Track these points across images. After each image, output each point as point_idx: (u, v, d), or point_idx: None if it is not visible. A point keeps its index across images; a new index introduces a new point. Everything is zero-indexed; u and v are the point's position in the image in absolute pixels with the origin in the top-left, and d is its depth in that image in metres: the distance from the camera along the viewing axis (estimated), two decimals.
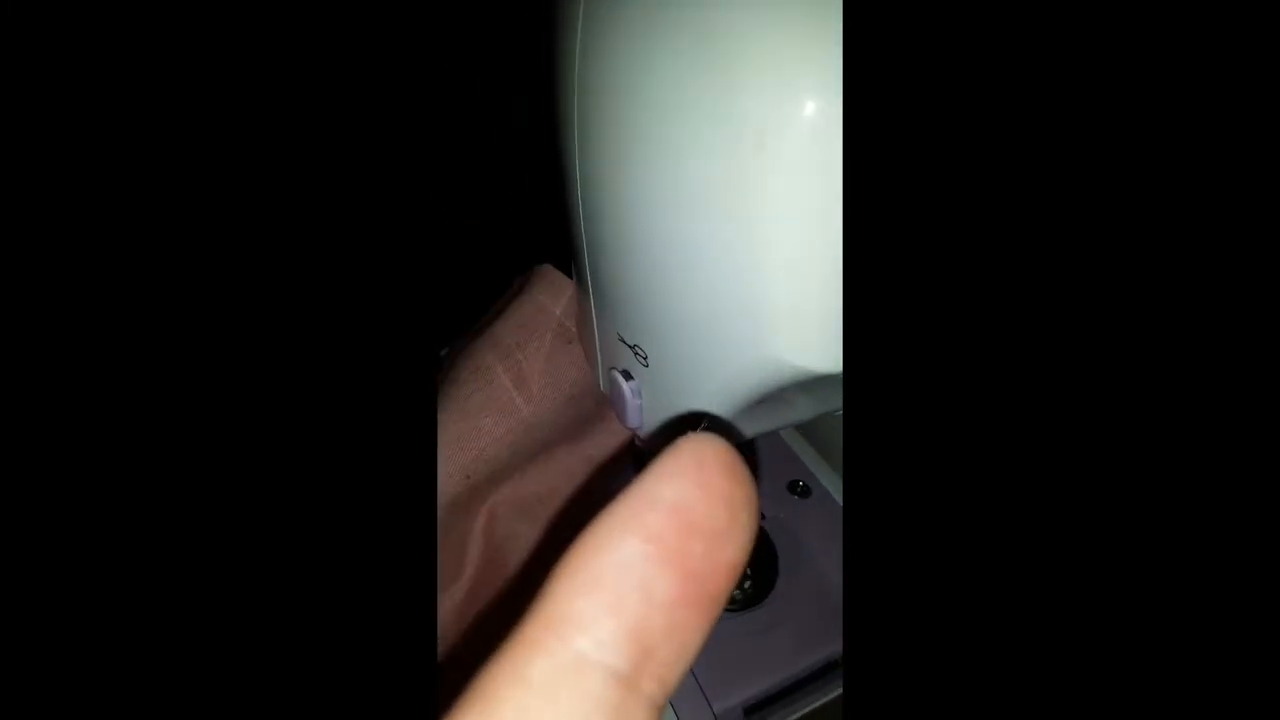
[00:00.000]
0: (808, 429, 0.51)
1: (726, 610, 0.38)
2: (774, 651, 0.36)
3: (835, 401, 0.29)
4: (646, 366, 0.26)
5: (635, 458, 0.46)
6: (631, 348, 0.27)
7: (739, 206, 0.18)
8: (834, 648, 0.36)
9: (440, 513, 0.39)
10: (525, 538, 0.42)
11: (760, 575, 0.41)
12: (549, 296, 0.43)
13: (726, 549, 0.08)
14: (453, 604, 0.39)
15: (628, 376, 0.28)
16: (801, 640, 0.36)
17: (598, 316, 0.30)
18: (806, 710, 0.35)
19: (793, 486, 0.46)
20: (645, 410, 0.28)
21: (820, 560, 0.41)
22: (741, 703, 0.34)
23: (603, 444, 0.47)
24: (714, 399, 0.25)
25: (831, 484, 0.46)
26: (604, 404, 0.46)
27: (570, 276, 0.40)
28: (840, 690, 0.36)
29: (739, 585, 0.40)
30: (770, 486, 0.45)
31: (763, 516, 0.43)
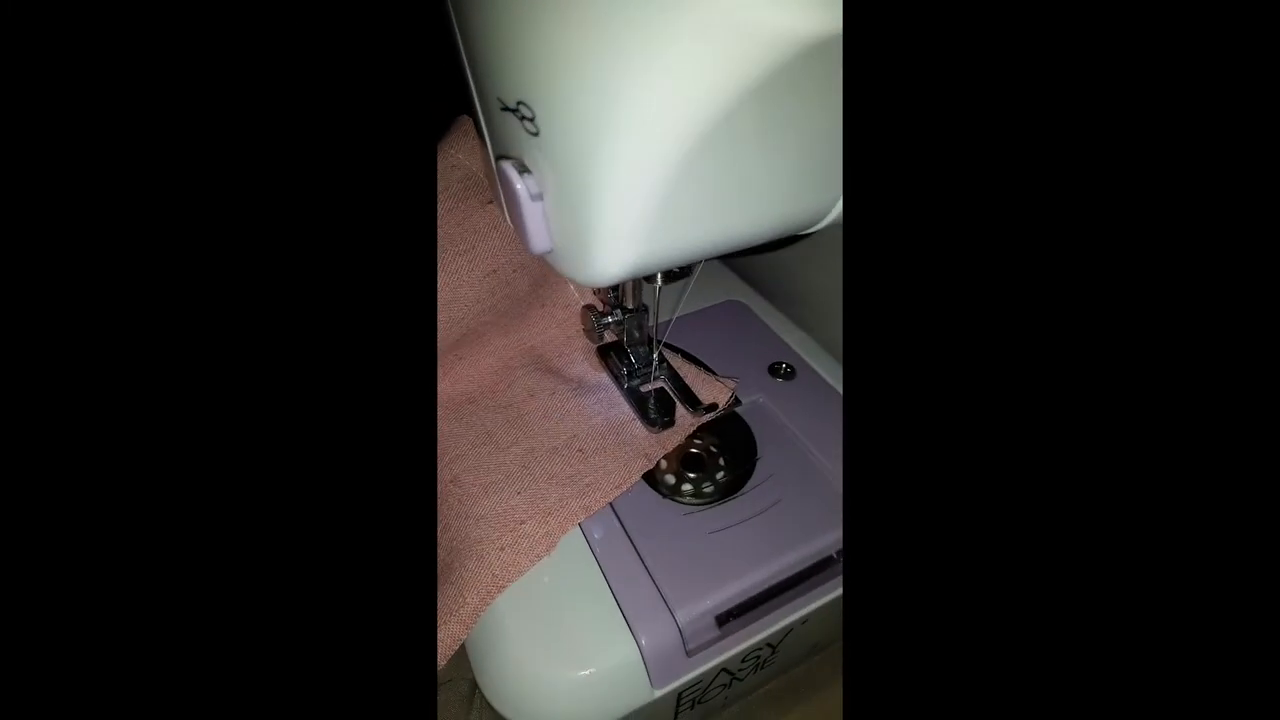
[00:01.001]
0: (792, 308, 0.44)
1: (698, 505, 0.31)
2: (751, 550, 0.29)
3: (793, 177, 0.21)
4: (536, 134, 0.19)
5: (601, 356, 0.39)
6: (515, 111, 0.19)
7: None
8: (824, 541, 0.30)
9: None
10: (457, 442, 0.34)
11: (736, 463, 0.34)
12: (465, 152, 0.35)
13: None
14: None
15: (522, 170, 0.21)
16: (786, 535, 0.29)
17: (479, 97, 0.22)
18: (792, 619, 0.28)
19: (775, 369, 0.38)
20: (551, 215, 0.21)
21: (806, 445, 0.34)
22: (712, 609, 0.27)
23: (543, 333, 0.40)
24: (629, 166, 0.17)
25: (820, 363, 0.39)
26: (540, 285, 0.38)
27: None
28: (831, 595, 0.29)
29: (711, 475, 0.33)
30: (752, 369, 0.38)
31: (738, 401, 0.36)
